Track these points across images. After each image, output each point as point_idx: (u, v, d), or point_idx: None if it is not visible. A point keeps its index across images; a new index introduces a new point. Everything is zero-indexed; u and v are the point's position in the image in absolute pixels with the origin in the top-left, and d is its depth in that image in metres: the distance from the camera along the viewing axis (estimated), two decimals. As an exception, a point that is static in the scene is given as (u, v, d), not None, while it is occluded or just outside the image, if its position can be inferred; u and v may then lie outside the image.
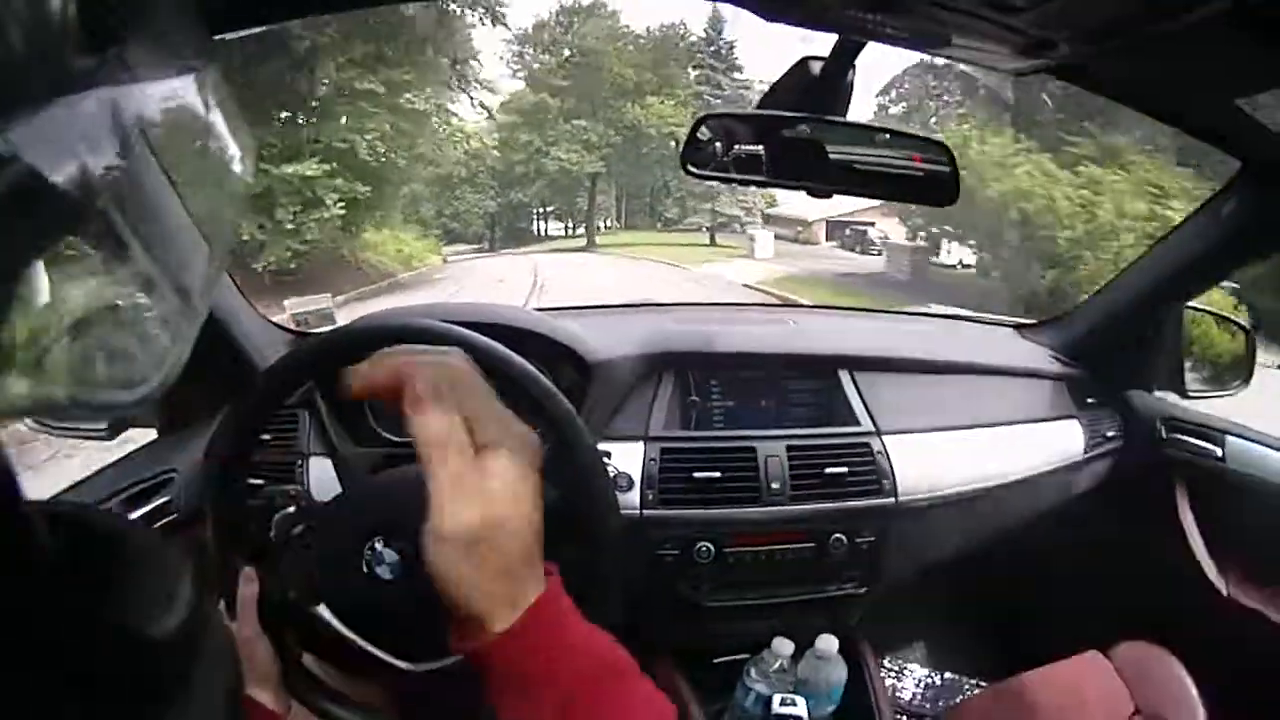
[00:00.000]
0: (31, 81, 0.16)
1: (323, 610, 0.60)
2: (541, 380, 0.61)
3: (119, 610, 0.25)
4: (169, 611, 0.26)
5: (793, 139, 0.83)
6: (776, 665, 1.02)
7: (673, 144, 19.43)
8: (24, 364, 0.18)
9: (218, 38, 0.59)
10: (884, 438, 1.00)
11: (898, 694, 1.27)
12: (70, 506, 0.27)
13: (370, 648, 0.60)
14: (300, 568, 0.62)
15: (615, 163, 21.97)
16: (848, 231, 19.28)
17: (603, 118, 21.94)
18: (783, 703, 0.99)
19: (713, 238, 21.03)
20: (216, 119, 0.23)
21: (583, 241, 22.25)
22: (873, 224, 18.72)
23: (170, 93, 0.21)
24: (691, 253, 17.84)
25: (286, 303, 1.15)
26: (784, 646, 1.00)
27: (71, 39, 0.16)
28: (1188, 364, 1.22)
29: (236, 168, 0.24)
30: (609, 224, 24.40)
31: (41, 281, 0.18)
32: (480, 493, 0.38)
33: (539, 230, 24.57)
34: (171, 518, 0.92)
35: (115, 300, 0.19)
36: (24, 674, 0.21)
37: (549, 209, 24.23)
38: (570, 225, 24.41)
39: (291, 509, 0.68)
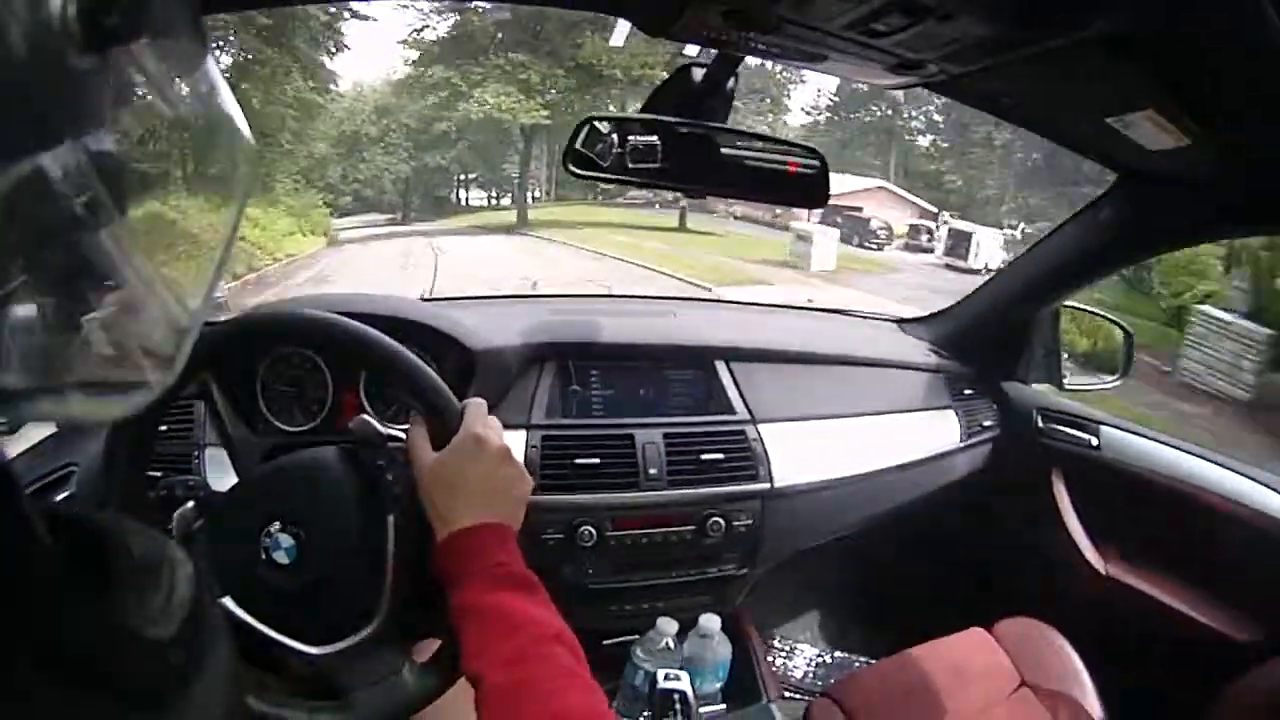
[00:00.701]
0: (32, 81, 0.16)
1: (227, 602, 0.61)
2: (426, 371, 0.65)
3: (118, 610, 0.25)
4: (168, 611, 0.26)
5: (688, 134, 0.86)
6: (662, 644, 1.06)
7: (639, 90, 15.57)
8: (25, 371, 0.18)
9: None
10: (759, 425, 1.05)
11: (789, 672, 1.32)
12: (71, 508, 0.29)
13: (275, 634, 0.61)
14: (203, 562, 0.63)
15: (560, 114, 16.79)
16: (839, 219, 15.55)
17: (548, 52, 16.71)
18: (666, 678, 1.04)
19: (683, 220, 17.21)
20: (218, 114, 0.23)
21: (509, 215, 18.64)
22: (861, 208, 16.31)
23: (172, 88, 0.21)
24: (669, 246, 14.27)
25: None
26: (668, 626, 1.05)
27: (72, 39, 0.16)
28: (1064, 358, 1.30)
29: (237, 166, 0.24)
30: (536, 195, 20.67)
31: (42, 285, 0.18)
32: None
33: (459, 199, 21.36)
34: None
35: (114, 306, 0.19)
36: (24, 674, 0.21)
37: (471, 175, 20.86)
38: (495, 195, 21.16)
39: (190, 504, 0.69)
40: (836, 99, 22.79)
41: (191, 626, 0.26)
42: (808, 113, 23.27)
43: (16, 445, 1.07)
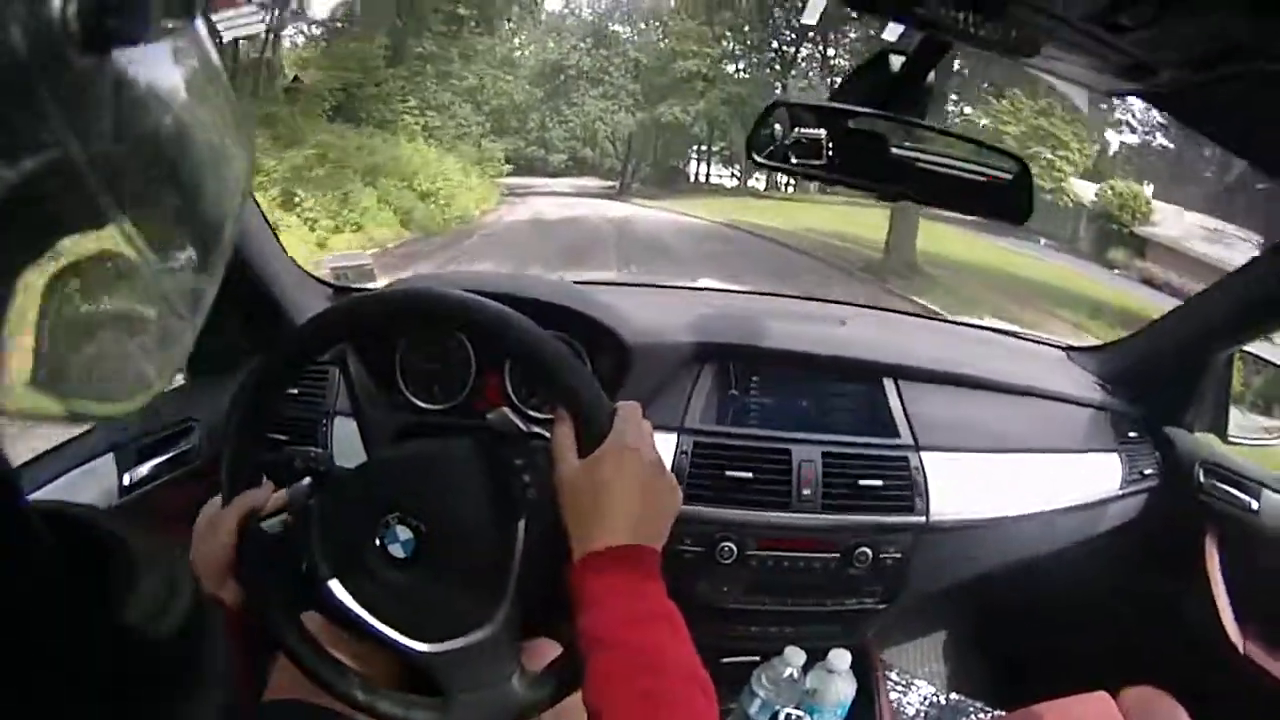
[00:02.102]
0: (32, 81, 0.15)
1: (334, 586, 0.59)
2: (575, 365, 0.58)
3: (119, 610, 0.24)
4: (169, 611, 0.26)
5: (856, 129, 0.80)
6: (786, 674, 1.00)
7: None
8: (24, 369, 0.18)
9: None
10: (922, 453, 0.97)
11: (903, 708, 1.25)
12: (72, 508, 0.28)
13: (377, 624, 0.58)
14: (314, 539, 0.60)
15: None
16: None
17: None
18: (788, 717, 0.97)
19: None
20: (213, 104, 0.23)
21: (759, 205, 12.95)
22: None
23: (169, 87, 0.21)
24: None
25: (326, 257, 1.13)
26: (796, 656, 0.99)
27: (72, 39, 0.16)
28: (1234, 408, 1.20)
29: (233, 163, 0.24)
30: (770, 185, 14.13)
31: (42, 285, 0.18)
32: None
33: (698, 174, 15.04)
34: (192, 466, 0.91)
35: (114, 306, 0.19)
36: (24, 674, 0.21)
37: (719, 144, 14.25)
38: (741, 172, 14.45)
39: (308, 479, 0.66)
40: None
41: (192, 627, 0.26)
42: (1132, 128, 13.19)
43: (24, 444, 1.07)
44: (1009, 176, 0.82)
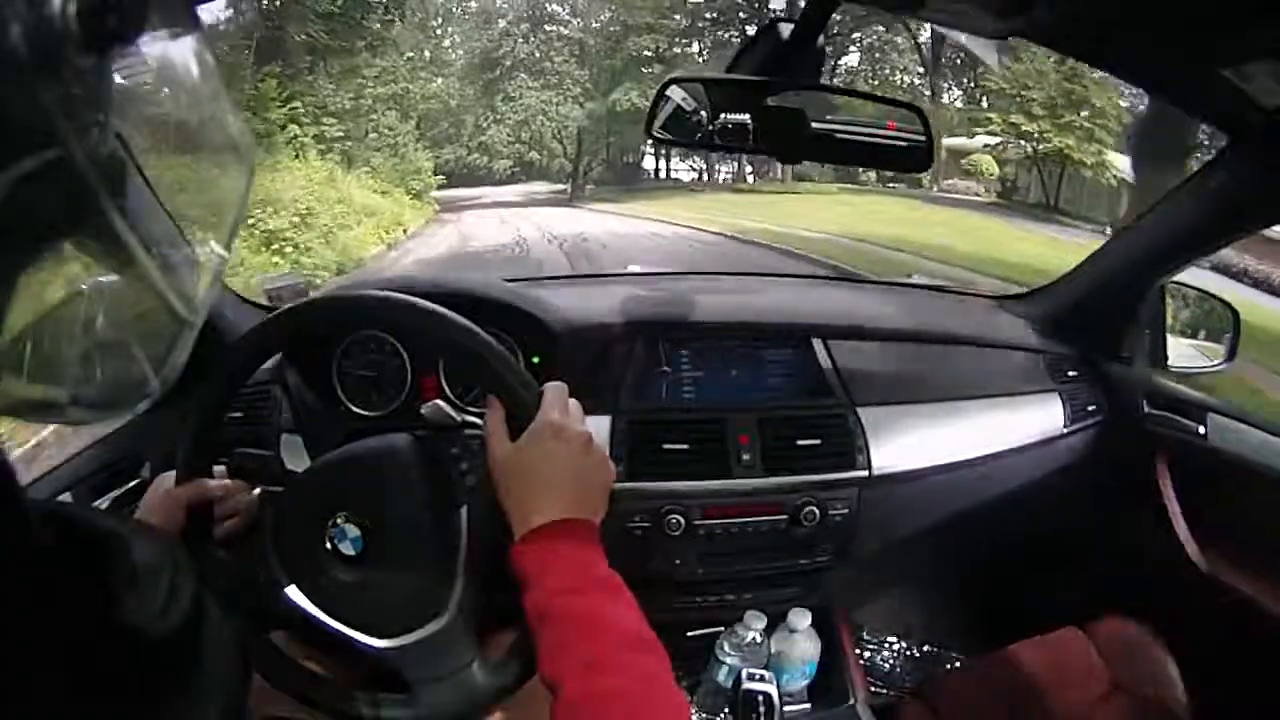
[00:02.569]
0: (32, 80, 0.16)
1: (292, 590, 0.60)
2: (500, 352, 0.60)
3: (120, 610, 0.25)
4: (169, 610, 0.26)
5: (777, 107, 0.82)
6: (749, 639, 1.02)
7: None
8: (27, 366, 0.18)
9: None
10: (858, 409, 0.99)
11: (877, 666, 1.27)
12: (72, 508, 0.28)
13: (337, 625, 0.60)
14: (268, 548, 0.62)
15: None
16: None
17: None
18: (750, 678, 0.99)
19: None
20: (214, 109, 0.23)
21: (721, 201, 11.61)
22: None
23: (169, 87, 0.21)
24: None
25: (258, 279, 1.14)
26: (756, 620, 1.00)
27: (72, 38, 0.16)
28: (1170, 339, 1.22)
29: (234, 161, 0.24)
30: (752, 173, 13.08)
31: (43, 285, 0.18)
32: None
33: (656, 169, 13.87)
34: None
35: (115, 306, 0.19)
36: (25, 673, 0.21)
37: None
38: (707, 168, 13.33)
39: (257, 492, 0.68)
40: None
41: (192, 625, 0.26)
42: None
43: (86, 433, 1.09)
44: (914, 128, 0.85)
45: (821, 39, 0.82)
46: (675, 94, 0.84)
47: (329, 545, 0.60)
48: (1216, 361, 1.24)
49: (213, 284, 0.23)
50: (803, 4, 0.76)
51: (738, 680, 1.01)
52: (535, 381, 0.59)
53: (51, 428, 1.45)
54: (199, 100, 0.22)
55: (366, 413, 0.96)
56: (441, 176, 12.14)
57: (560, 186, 13.39)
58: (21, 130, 0.16)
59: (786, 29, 0.81)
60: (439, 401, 0.64)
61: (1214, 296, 1.26)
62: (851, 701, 1.06)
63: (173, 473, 0.64)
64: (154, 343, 0.21)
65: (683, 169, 14.08)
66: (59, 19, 0.16)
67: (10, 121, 0.15)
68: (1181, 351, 1.23)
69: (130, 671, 0.24)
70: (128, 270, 0.19)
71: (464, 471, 0.61)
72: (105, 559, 0.26)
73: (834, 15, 0.77)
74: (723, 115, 0.83)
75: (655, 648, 0.49)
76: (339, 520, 0.60)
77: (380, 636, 0.59)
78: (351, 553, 0.59)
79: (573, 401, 0.60)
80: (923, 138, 0.84)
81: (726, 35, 12.56)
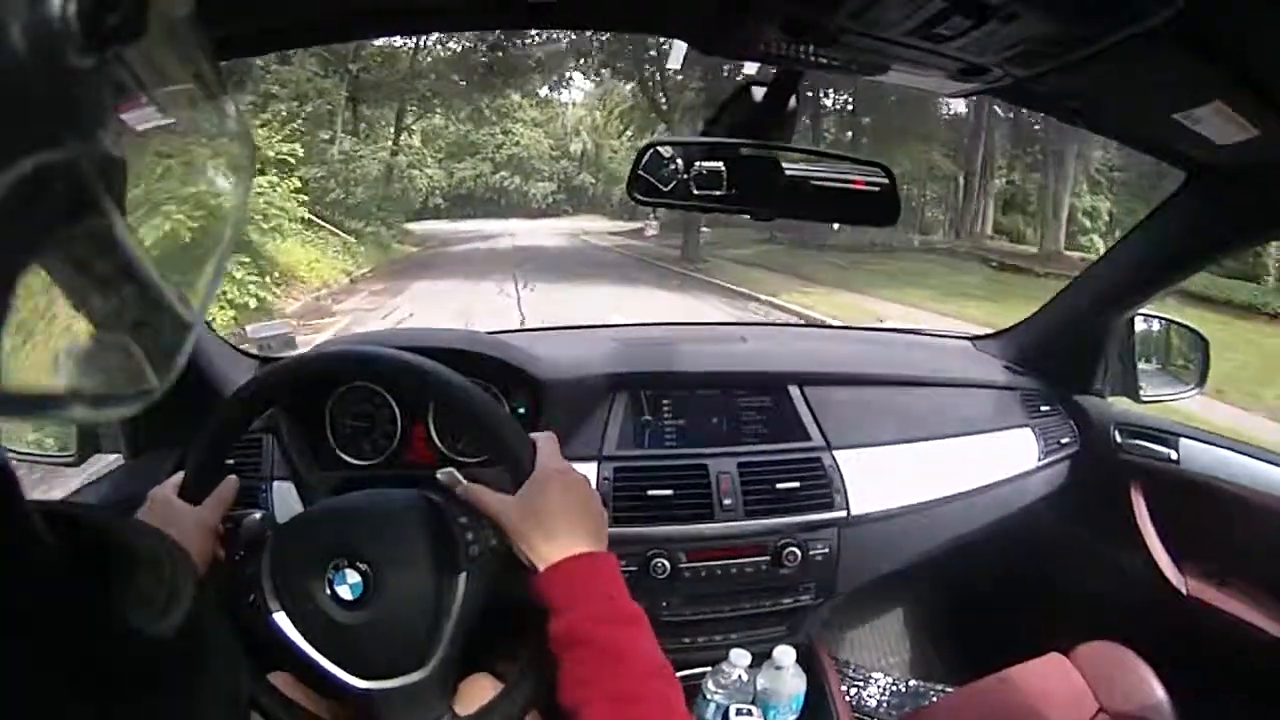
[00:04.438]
0: (31, 81, 0.15)
1: (280, 619, 0.62)
2: (495, 406, 0.64)
3: (118, 610, 0.25)
4: (169, 610, 0.26)
5: (752, 157, 0.84)
6: (734, 677, 1.03)
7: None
8: (29, 365, 0.18)
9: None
10: (835, 452, 1.02)
11: (863, 702, 1.28)
12: (74, 507, 0.28)
13: (319, 657, 0.62)
14: (264, 573, 0.63)
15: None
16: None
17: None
18: (738, 713, 1.01)
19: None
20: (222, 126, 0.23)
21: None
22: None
23: (174, 101, 0.21)
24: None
25: (249, 328, 1.16)
26: (741, 658, 1.02)
27: (72, 38, 0.16)
28: (1140, 368, 1.25)
29: (237, 164, 0.24)
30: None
31: (43, 284, 0.18)
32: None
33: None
34: None
35: (114, 307, 0.19)
36: (25, 673, 0.21)
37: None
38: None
39: (260, 515, 0.70)
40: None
41: (192, 626, 0.26)
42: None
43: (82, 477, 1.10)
44: (883, 182, 0.88)
45: (793, 101, 0.86)
46: (658, 151, 0.86)
47: (328, 584, 0.62)
48: (1188, 387, 1.27)
49: (215, 281, 0.23)
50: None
51: (725, 716, 1.02)
52: (527, 435, 0.63)
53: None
54: (199, 99, 0.22)
55: (358, 461, 0.98)
56: (442, 201, 11.83)
57: (628, 225, 11.10)
58: (21, 131, 0.16)
59: (759, 92, 0.84)
60: (454, 471, 0.67)
61: (1182, 325, 1.29)
62: None
63: (170, 482, 0.67)
64: (154, 342, 0.20)
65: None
66: (58, 19, 0.16)
67: (9, 122, 0.15)
68: (1152, 380, 1.27)
69: (130, 671, 0.24)
70: (128, 271, 0.19)
71: (470, 541, 0.63)
72: (106, 559, 0.26)
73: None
74: (697, 164, 0.85)
75: (673, 679, 0.52)
76: (343, 563, 0.62)
77: (359, 676, 0.61)
78: (349, 596, 0.61)
79: (551, 438, 0.65)
80: (890, 193, 0.87)
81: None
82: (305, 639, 0.62)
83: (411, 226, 13.82)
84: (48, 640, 0.22)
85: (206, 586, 0.29)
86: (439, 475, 0.66)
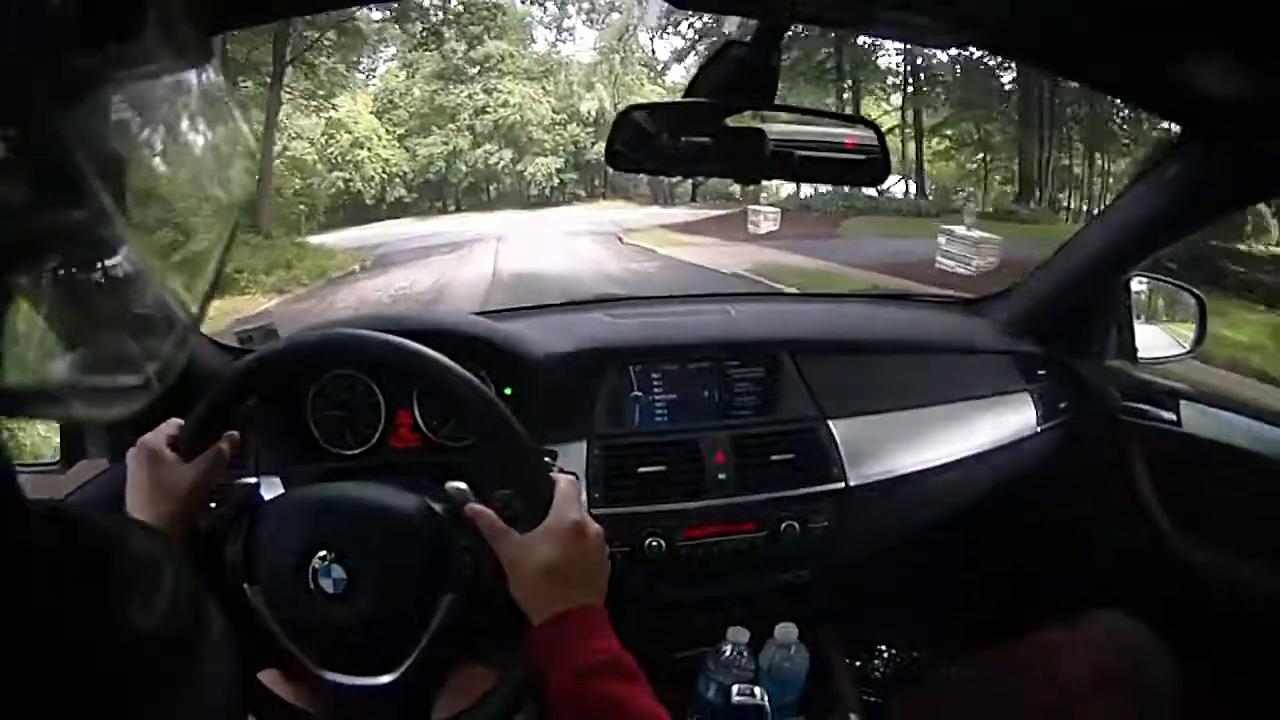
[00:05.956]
0: (31, 80, 0.15)
1: (254, 593, 0.61)
2: (478, 386, 0.61)
3: (120, 610, 0.25)
4: (169, 611, 0.26)
5: (737, 128, 0.82)
6: (735, 654, 1.02)
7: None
8: (29, 358, 0.18)
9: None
10: (830, 422, 1.00)
11: (868, 675, 1.27)
12: (74, 507, 0.28)
13: (290, 643, 0.61)
14: (247, 542, 0.62)
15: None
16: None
17: None
18: (740, 693, 0.99)
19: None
20: (216, 119, 0.23)
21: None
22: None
23: (172, 92, 0.21)
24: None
25: (229, 321, 1.14)
26: (739, 635, 1.00)
27: (72, 37, 0.16)
28: (1138, 330, 1.23)
29: (237, 165, 0.24)
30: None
31: (45, 280, 0.18)
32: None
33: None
34: None
35: (114, 307, 0.19)
36: (24, 673, 0.21)
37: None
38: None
39: (254, 480, 0.68)
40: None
41: (193, 626, 0.27)
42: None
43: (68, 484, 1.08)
44: (870, 141, 0.86)
45: (776, 58, 0.83)
46: (636, 118, 0.84)
47: (310, 573, 0.60)
48: (1185, 348, 1.26)
49: (216, 280, 0.23)
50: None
51: (728, 695, 1.01)
52: (547, 471, 0.62)
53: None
54: (200, 97, 0.22)
55: (343, 450, 0.96)
56: (405, 191, 9.74)
57: (679, 214, 9.94)
58: (20, 130, 0.16)
59: (741, 51, 0.82)
60: (465, 488, 0.65)
61: (1179, 284, 1.28)
62: (844, 712, 1.06)
63: (166, 425, 0.65)
64: (153, 339, 0.21)
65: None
66: (59, 18, 0.16)
67: (9, 122, 0.15)
68: (1150, 341, 1.25)
69: (130, 671, 0.24)
70: (127, 271, 0.19)
71: (465, 564, 0.62)
72: (106, 559, 0.26)
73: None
74: (684, 139, 0.83)
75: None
76: (330, 556, 0.60)
77: (325, 667, 0.61)
78: (331, 590, 0.60)
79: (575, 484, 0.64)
80: (878, 152, 0.85)
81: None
82: (275, 617, 0.61)
83: (329, 240, 9.76)
84: (47, 640, 0.22)
85: (204, 590, 0.28)
86: (449, 487, 0.65)
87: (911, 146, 11.84)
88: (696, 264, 8.52)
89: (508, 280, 7.91)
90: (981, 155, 12.13)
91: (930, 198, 12.05)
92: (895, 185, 12.10)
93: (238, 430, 0.93)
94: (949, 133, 12.28)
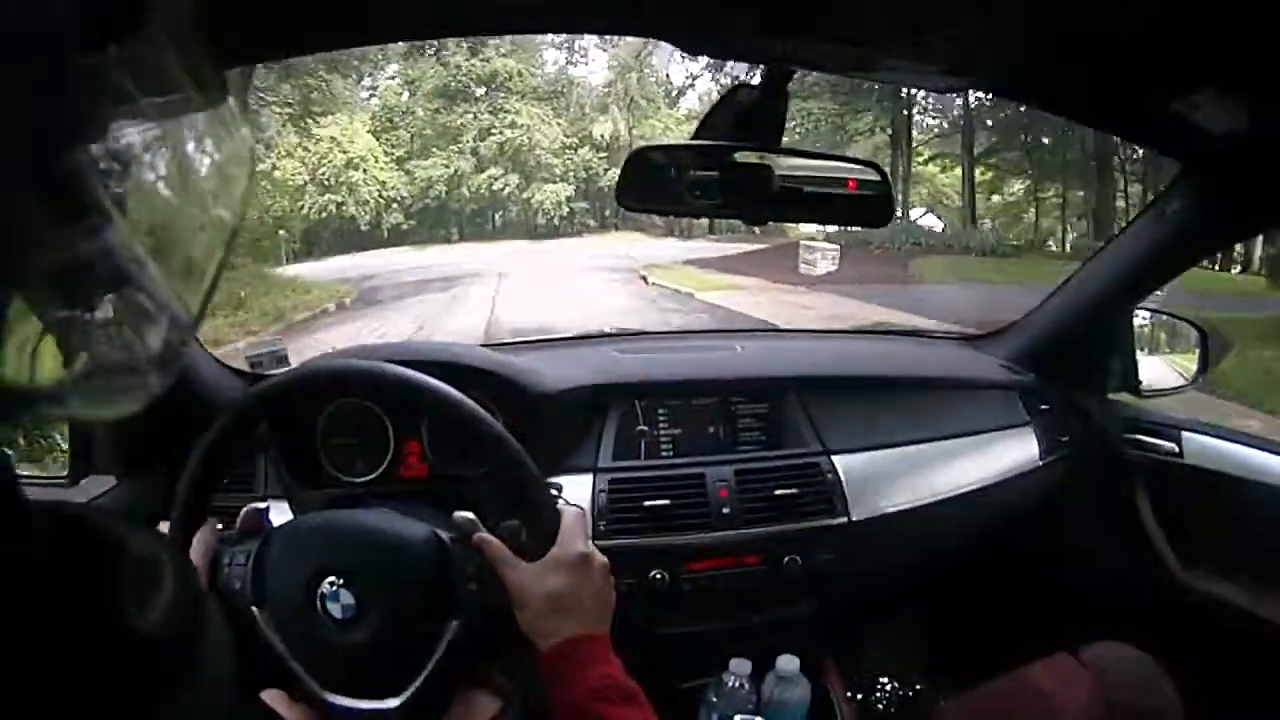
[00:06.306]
0: (32, 81, 0.15)
1: (263, 615, 0.62)
2: (490, 421, 0.63)
3: (120, 610, 0.25)
4: (169, 611, 0.26)
5: (744, 163, 0.83)
6: (737, 685, 1.02)
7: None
8: (30, 360, 0.18)
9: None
10: (834, 457, 1.01)
11: (869, 706, 1.27)
12: (74, 507, 0.28)
13: (296, 665, 0.61)
14: (257, 565, 0.63)
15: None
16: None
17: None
18: (742, 721, 0.99)
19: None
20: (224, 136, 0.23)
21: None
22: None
23: (177, 111, 0.21)
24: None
25: (240, 344, 1.15)
26: (741, 666, 1.01)
27: (72, 38, 0.16)
28: (1140, 363, 1.24)
29: (238, 163, 0.24)
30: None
31: (45, 284, 0.18)
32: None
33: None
34: None
35: (115, 303, 0.19)
36: (24, 673, 0.21)
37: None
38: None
39: (265, 505, 0.69)
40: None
41: (191, 627, 0.27)
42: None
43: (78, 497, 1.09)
44: (875, 182, 0.87)
45: (783, 103, 0.85)
46: (648, 158, 0.86)
47: (319, 598, 0.61)
48: (1187, 380, 1.26)
49: (215, 281, 0.24)
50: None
51: (729, 725, 1.01)
52: (554, 503, 0.64)
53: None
54: (200, 99, 0.22)
55: (352, 479, 0.97)
56: (402, 218, 8.62)
57: (703, 248, 8.38)
58: (20, 130, 0.16)
59: (748, 94, 0.83)
60: (474, 518, 0.66)
61: (1180, 317, 1.28)
62: None
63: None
64: (154, 341, 0.21)
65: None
66: (59, 18, 0.16)
67: (9, 122, 0.15)
68: (1153, 373, 1.26)
69: (130, 672, 0.24)
70: (129, 270, 0.19)
71: (469, 594, 0.62)
72: (106, 559, 0.26)
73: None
74: (691, 173, 0.84)
75: None
76: (338, 582, 0.61)
77: (330, 690, 0.61)
78: (339, 615, 0.60)
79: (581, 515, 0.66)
80: (883, 193, 0.86)
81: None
82: (282, 640, 0.61)
83: (311, 270, 8.72)
84: (47, 640, 0.22)
85: (205, 590, 0.28)
86: (456, 517, 0.66)
87: (957, 171, 10.74)
88: (760, 319, 6.58)
89: (507, 335, 6.08)
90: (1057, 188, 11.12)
91: (996, 232, 10.77)
92: (923, 217, 10.91)
93: (249, 455, 0.95)
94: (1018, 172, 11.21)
